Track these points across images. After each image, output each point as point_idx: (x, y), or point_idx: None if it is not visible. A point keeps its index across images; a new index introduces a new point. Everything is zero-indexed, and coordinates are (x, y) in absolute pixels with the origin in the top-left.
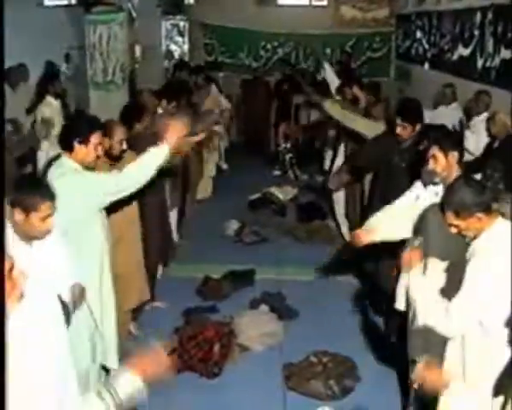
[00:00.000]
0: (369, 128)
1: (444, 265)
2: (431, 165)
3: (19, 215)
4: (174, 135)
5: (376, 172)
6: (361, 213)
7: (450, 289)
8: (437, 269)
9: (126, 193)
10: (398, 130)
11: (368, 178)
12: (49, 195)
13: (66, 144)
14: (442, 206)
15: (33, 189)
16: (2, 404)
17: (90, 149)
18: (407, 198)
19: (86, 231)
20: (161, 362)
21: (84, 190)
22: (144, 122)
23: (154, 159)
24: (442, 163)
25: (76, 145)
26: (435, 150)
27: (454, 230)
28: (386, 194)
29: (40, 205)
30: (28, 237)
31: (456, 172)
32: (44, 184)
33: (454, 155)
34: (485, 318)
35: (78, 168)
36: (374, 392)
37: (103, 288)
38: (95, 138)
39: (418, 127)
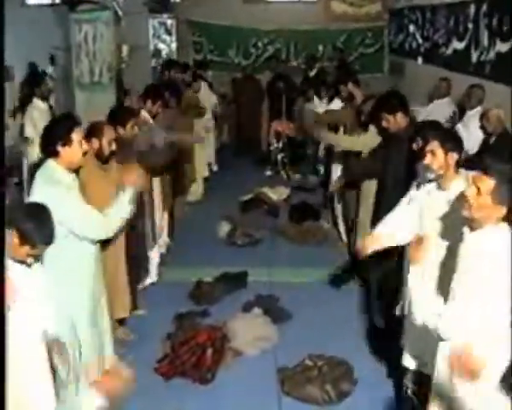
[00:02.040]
0: (367, 145)
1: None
2: (428, 160)
3: (14, 238)
4: (131, 183)
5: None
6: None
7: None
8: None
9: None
10: (383, 123)
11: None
12: (50, 239)
13: (49, 151)
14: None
15: (40, 227)
16: (2, 404)
17: (74, 149)
18: (402, 203)
19: (74, 242)
20: (121, 379)
21: (60, 211)
22: (127, 128)
23: (120, 209)
24: (440, 160)
25: (60, 149)
26: (434, 146)
27: (467, 210)
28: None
29: (38, 245)
30: (13, 258)
31: (452, 173)
32: (50, 226)
33: (453, 156)
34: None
35: (66, 179)
36: (371, 395)
37: (98, 302)
38: (76, 135)
39: (402, 118)
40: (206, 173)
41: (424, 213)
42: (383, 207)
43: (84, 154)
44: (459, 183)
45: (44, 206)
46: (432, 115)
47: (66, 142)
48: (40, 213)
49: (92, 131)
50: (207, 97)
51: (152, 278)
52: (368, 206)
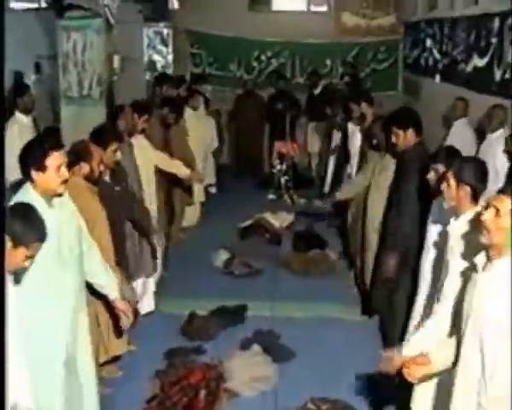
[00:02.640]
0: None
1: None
2: (442, 188)
3: (7, 243)
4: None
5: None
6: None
7: None
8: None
9: None
10: (393, 138)
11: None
12: (43, 235)
13: (24, 174)
14: None
15: (29, 224)
16: (3, 404)
17: (49, 176)
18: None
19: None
20: None
21: None
22: (108, 152)
23: None
24: (452, 192)
25: (33, 173)
26: (448, 175)
27: (484, 236)
28: (397, 223)
29: (32, 243)
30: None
31: (469, 207)
32: (40, 221)
33: (466, 188)
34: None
35: (38, 205)
36: None
37: (79, 331)
38: (53, 161)
39: (412, 136)
40: (202, 198)
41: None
42: (391, 226)
43: (64, 181)
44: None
45: (30, 204)
46: (449, 139)
47: (40, 168)
48: (27, 211)
49: (80, 154)
50: (205, 121)
51: (149, 307)
52: (375, 226)
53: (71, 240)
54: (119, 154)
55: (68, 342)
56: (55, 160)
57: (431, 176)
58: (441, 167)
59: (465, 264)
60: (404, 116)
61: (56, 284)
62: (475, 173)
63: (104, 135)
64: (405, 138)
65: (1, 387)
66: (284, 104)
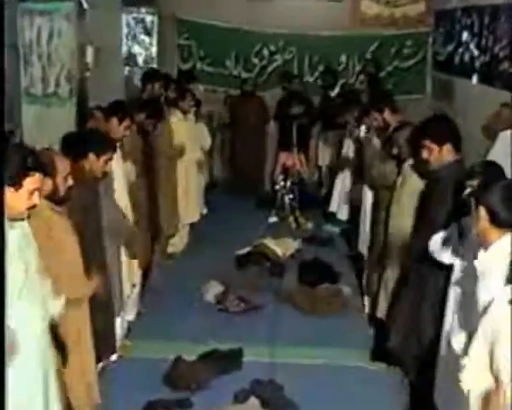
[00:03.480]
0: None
1: None
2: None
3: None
4: None
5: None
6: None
7: None
8: None
9: None
10: (424, 153)
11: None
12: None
13: None
14: None
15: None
16: (3, 404)
17: (21, 197)
18: None
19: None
20: None
21: None
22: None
23: None
24: (481, 224)
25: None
26: (480, 204)
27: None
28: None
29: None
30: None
31: (496, 239)
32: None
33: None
34: None
35: None
36: None
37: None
38: (31, 183)
39: (449, 152)
40: (196, 217)
41: None
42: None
43: (32, 207)
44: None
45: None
46: (492, 154)
47: (15, 183)
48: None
49: (41, 166)
50: (198, 125)
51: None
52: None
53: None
54: (109, 164)
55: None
56: (34, 182)
57: (467, 195)
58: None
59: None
60: (441, 127)
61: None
62: (501, 196)
63: (82, 142)
64: (440, 155)
65: (1, 387)
66: (295, 109)
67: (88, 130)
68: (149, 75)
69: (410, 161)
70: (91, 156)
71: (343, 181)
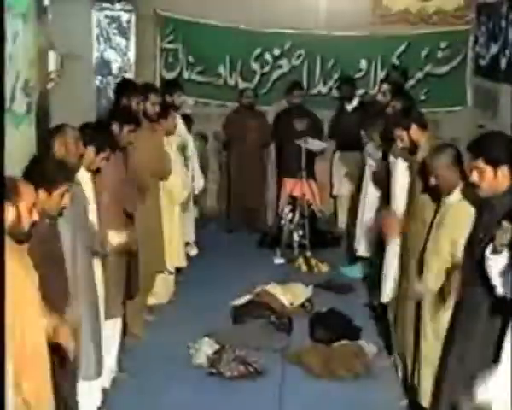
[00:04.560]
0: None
1: None
2: None
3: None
4: None
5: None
6: None
7: None
8: None
9: None
10: (474, 176)
11: None
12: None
13: None
14: None
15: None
16: (2, 404)
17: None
18: None
19: None
20: None
21: None
22: (54, 196)
23: None
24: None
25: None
26: None
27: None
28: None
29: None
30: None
31: None
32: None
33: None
34: None
35: None
36: None
37: None
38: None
39: (506, 175)
40: (183, 262)
41: None
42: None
43: None
44: None
45: None
46: None
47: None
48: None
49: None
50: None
51: None
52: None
53: None
54: (67, 198)
55: None
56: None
57: None
58: None
59: None
60: (496, 145)
61: None
62: None
63: (52, 170)
64: (495, 180)
65: (1, 387)
66: (299, 126)
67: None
68: (124, 86)
69: (455, 194)
70: (41, 193)
71: (364, 211)
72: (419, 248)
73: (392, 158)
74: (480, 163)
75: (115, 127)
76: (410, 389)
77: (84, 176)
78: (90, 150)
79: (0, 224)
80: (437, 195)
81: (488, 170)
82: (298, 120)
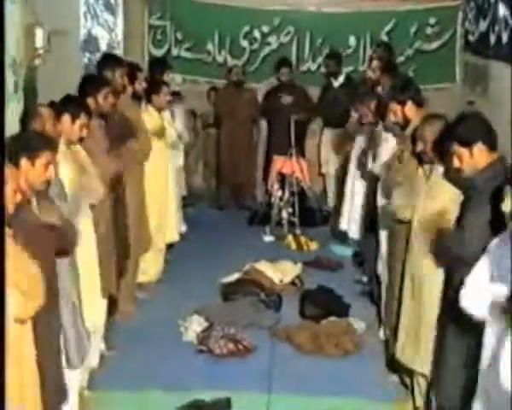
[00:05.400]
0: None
1: None
2: None
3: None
4: None
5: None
6: None
7: None
8: None
9: None
10: (455, 161)
11: None
12: None
13: None
14: None
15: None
16: (2, 404)
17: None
18: None
19: None
20: None
21: None
22: (37, 164)
23: None
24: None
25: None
26: None
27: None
28: None
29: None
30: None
31: None
32: None
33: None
34: None
35: None
36: None
37: None
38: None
39: (483, 154)
40: (175, 237)
41: None
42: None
43: None
44: None
45: None
46: None
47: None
48: None
49: None
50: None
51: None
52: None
53: None
54: (51, 170)
55: None
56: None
57: (507, 207)
58: None
59: None
60: (466, 126)
61: None
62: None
63: (35, 142)
64: (472, 158)
65: (1, 386)
66: (288, 102)
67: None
68: (107, 60)
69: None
70: (24, 163)
71: (354, 189)
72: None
73: (383, 132)
74: (456, 148)
75: (89, 99)
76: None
77: (62, 153)
78: (66, 119)
79: (0, 222)
80: (423, 161)
81: (464, 152)
82: (286, 97)
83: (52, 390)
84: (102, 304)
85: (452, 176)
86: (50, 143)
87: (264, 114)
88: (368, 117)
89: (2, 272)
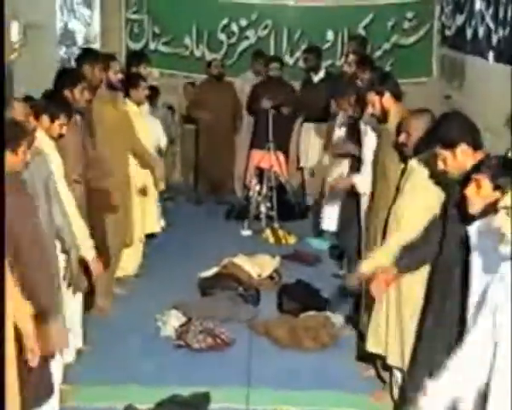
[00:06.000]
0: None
1: None
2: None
3: None
4: None
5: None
6: None
7: None
8: None
9: None
10: (440, 164)
11: None
12: None
13: None
14: None
15: None
16: (2, 404)
17: None
18: None
19: None
20: None
21: None
22: (19, 152)
23: None
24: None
25: None
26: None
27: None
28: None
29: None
30: None
31: None
32: None
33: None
34: None
35: None
36: None
37: None
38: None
39: (466, 155)
40: (157, 228)
41: None
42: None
43: None
44: None
45: None
46: None
47: None
48: None
49: None
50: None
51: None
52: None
53: None
54: (28, 153)
55: None
56: None
57: (469, 191)
58: (486, 182)
59: None
60: (448, 127)
61: None
62: None
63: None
64: (456, 160)
65: (1, 386)
66: (270, 97)
67: None
68: (87, 55)
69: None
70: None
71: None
72: (384, 213)
73: (362, 125)
74: (439, 150)
75: (65, 93)
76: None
77: (47, 144)
78: (45, 119)
79: (0, 220)
80: (403, 158)
81: (447, 154)
82: (273, 94)
83: (38, 385)
84: (77, 299)
85: (438, 177)
86: (26, 131)
87: (249, 108)
88: (349, 111)
89: (2, 272)
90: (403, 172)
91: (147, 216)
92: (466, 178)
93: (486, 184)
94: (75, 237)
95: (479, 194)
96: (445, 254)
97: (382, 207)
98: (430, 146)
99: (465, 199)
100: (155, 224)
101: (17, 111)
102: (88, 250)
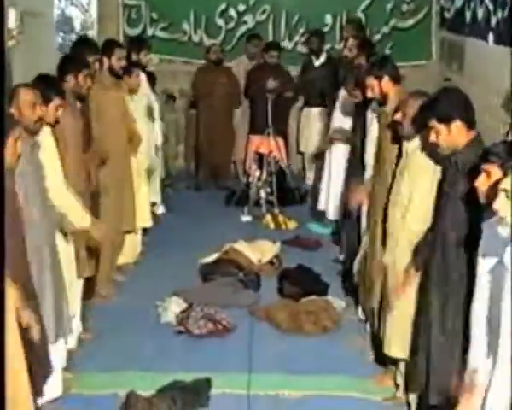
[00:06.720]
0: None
1: None
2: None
3: None
4: None
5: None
6: None
7: None
8: None
9: None
10: (432, 136)
11: None
12: None
13: None
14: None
15: None
16: (3, 403)
17: None
18: None
19: None
20: None
21: None
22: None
23: None
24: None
25: None
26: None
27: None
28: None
29: None
30: None
31: None
32: None
33: None
34: None
35: None
36: None
37: None
38: None
39: (461, 131)
40: (148, 222)
41: None
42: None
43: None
44: None
45: None
46: None
47: None
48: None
49: None
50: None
51: (55, 390)
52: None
53: None
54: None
55: None
56: None
57: (480, 183)
58: (496, 170)
59: None
60: (445, 102)
61: None
62: None
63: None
64: (450, 135)
65: (1, 386)
66: (268, 82)
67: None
68: (82, 43)
69: (416, 141)
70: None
71: (331, 170)
72: (384, 199)
73: (369, 113)
74: (434, 123)
75: (69, 78)
76: (377, 343)
77: (45, 134)
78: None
79: (0, 218)
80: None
81: (442, 128)
82: (271, 80)
83: (37, 363)
84: (78, 286)
85: (430, 152)
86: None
87: (246, 93)
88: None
89: (2, 272)
90: (400, 154)
91: (141, 209)
92: (472, 170)
93: (496, 171)
94: (66, 214)
95: (489, 183)
96: (440, 233)
97: (382, 192)
98: (426, 119)
99: (475, 190)
100: (147, 219)
101: (21, 99)
102: (83, 219)
